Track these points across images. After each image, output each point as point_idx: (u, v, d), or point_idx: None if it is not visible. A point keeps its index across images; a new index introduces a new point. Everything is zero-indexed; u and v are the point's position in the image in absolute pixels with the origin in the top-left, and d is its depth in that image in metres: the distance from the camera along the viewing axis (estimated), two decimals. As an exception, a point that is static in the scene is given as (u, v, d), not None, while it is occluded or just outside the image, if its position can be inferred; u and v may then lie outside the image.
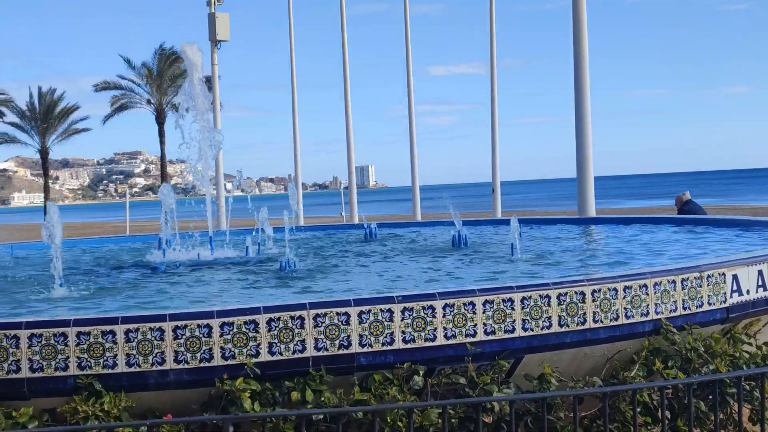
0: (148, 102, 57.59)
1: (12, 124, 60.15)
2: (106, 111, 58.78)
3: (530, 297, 6.40)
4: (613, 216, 17.53)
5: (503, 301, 6.34)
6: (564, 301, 6.50)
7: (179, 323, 5.70)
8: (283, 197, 29.33)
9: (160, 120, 57.12)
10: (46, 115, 60.65)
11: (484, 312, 6.27)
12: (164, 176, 58.59)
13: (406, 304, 6.11)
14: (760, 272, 7.47)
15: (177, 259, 11.48)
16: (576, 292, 6.55)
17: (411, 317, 6.10)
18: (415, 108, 27.06)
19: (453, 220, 12.38)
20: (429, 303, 6.16)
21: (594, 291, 6.62)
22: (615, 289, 6.70)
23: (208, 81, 54.90)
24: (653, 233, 12.65)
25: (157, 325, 5.68)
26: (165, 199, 12.43)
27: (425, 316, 6.13)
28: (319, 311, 5.94)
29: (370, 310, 6.01)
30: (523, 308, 6.38)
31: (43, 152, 61.79)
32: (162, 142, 56.51)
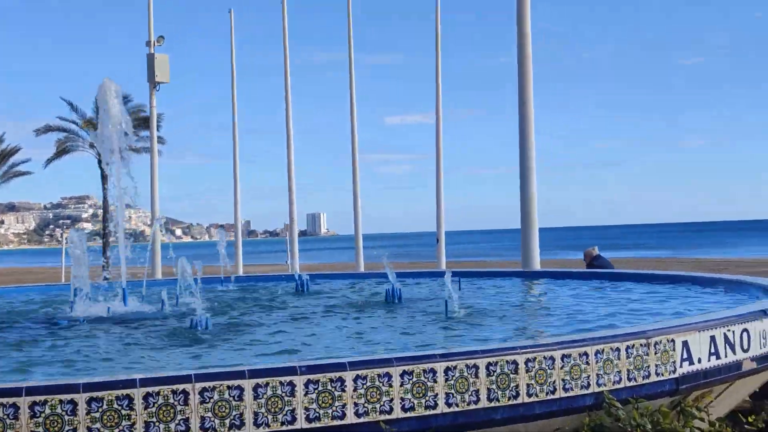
0: (91, 146, 56.34)
1: (-51, 165, 58.48)
2: (49, 154, 57.37)
3: (455, 367, 5.60)
4: (559, 269, 16.86)
5: (424, 371, 5.52)
6: (494, 371, 5.71)
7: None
8: (231, 244, 28.52)
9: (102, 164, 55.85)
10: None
11: (401, 385, 5.45)
12: (105, 220, 57.25)
13: (311, 376, 5.26)
14: (712, 338, 6.76)
15: (83, 314, 10.52)
16: (508, 362, 5.77)
17: (316, 391, 5.25)
18: (369, 157, 26.52)
19: (386, 272, 11.58)
20: (338, 374, 5.33)
21: (528, 360, 5.84)
22: (552, 358, 5.93)
23: (146, 122, 53.89)
24: (603, 289, 12.00)
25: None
26: (73, 245, 11.49)
27: (333, 389, 5.29)
28: (206, 384, 5.08)
29: (267, 383, 5.16)
30: (447, 380, 5.57)
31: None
32: (105, 188, 55.17)
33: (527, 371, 5.80)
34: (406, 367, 5.48)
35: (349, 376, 5.34)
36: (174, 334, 8.47)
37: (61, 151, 55.84)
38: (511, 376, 5.75)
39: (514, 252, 19.29)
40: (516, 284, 13.98)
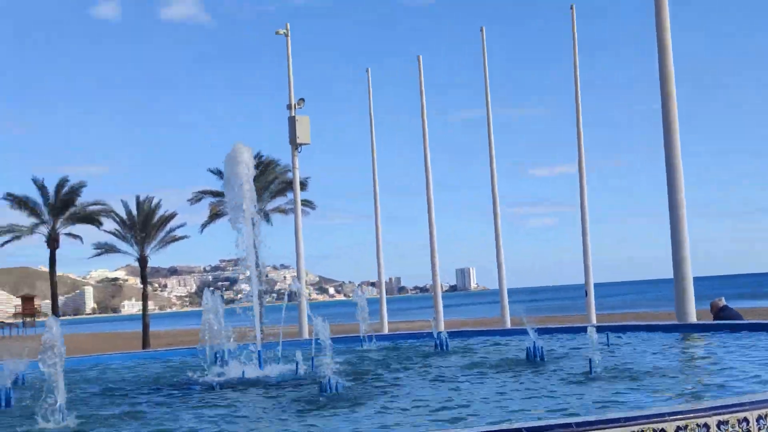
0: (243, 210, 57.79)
1: (111, 233, 61.18)
2: (203, 219, 59.22)
3: (593, 438, 5.04)
4: (714, 322, 15.74)
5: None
6: (639, 441, 5.11)
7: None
8: (376, 301, 28.42)
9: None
10: (144, 224, 61.53)
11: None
12: (260, 282, 58.40)
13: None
14: None
15: (218, 379, 10.42)
16: (655, 430, 5.16)
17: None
18: (517, 210, 25.92)
19: (527, 329, 11.00)
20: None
21: (679, 428, 5.21)
22: (706, 426, 5.27)
23: (290, 184, 55.01)
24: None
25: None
26: (206, 307, 11.49)
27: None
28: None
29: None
30: (584, 452, 5.02)
31: (142, 260, 62.51)
32: (255, 250, 56.42)
33: (677, 440, 5.18)
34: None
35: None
36: (300, 399, 8.19)
37: (214, 215, 57.63)
38: (659, 446, 5.14)
39: (669, 303, 18.23)
40: (669, 338, 13.09)
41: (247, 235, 11.93)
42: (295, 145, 27.67)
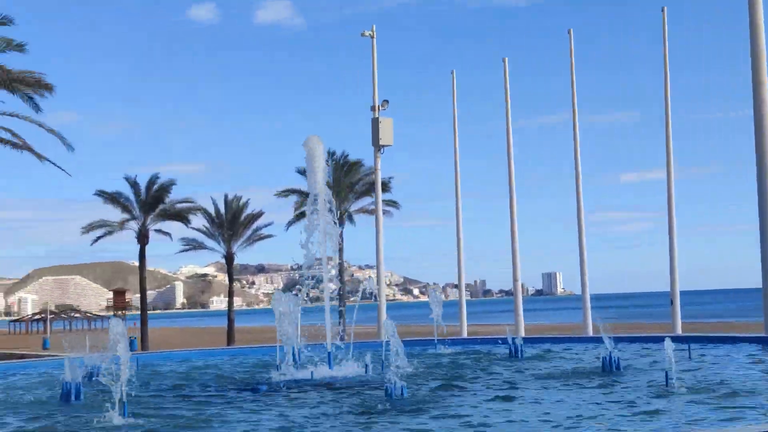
0: (329, 210, 57.94)
1: (199, 230, 62.15)
2: (290, 217, 59.56)
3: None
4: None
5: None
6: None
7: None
8: (469, 304, 28.06)
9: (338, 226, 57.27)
10: (231, 222, 62.33)
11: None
12: (342, 282, 58.73)
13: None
14: None
15: (286, 378, 10.39)
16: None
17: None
18: (605, 215, 25.28)
19: (603, 337, 10.65)
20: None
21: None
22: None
23: (373, 186, 54.82)
24: None
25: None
26: (276, 306, 11.46)
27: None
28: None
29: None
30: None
31: (229, 258, 63.37)
32: (341, 249, 56.58)
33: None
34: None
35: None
36: (365, 403, 8.06)
37: (300, 214, 58.03)
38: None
39: (758, 313, 17.55)
40: (754, 350, 12.56)
41: (321, 232, 11.82)
42: (377, 146, 27.60)
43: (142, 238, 59.70)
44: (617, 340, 11.78)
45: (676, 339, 13.48)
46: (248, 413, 7.83)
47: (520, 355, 12.76)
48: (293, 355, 11.59)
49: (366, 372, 10.66)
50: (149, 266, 61.16)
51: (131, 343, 54.42)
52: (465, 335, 25.30)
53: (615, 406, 7.54)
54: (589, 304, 24.44)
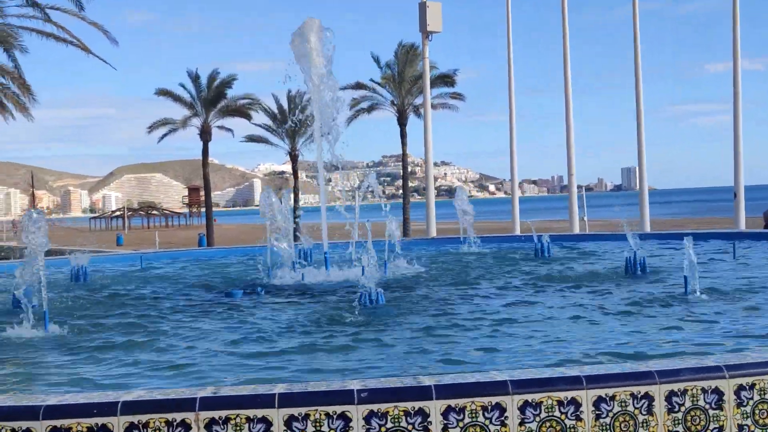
0: (392, 104, 56.59)
1: (262, 126, 61.41)
2: (362, 115, 58.12)
3: (614, 397, 3.67)
4: None
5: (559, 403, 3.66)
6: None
7: None
8: (545, 199, 26.75)
9: (401, 122, 55.98)
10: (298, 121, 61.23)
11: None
12: (405, 179, 57.74)
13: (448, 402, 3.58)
14: None
15: (278, 282, 9.51)
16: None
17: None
18: (688, 107, 23.60)
19: (626, 235, 9.42)
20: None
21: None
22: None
23: (443, 79, 52.91)
24: None
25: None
26: (263, 206, 10.52)
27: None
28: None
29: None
30: (598, 418, 3.66)
31: (293, 155, 62.74)
32: (404, 144, 55.39)
33: None
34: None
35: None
36: (334, 313, 7.07)
37: (362, 110, 56.64)
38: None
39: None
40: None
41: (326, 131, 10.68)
42: (425, 32, 26.12)
43: (205, 134, 59.33)
44: (656, 237, 10.56)
45: (725, 236, 12.20)
46: (203, 322, 6.92)
47: (547, 254, 11.64)
48: (302, 255, 10.73)
49: (363, 274, 9.66)
50: (228, 164, 60.90)
51: (200, 240, 54.61)
52: (518, 232, 24.13)
53: (620, 312, 6.40)
54: (647, 200, 23.08)
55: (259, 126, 61.19)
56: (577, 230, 23.90)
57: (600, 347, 5.10)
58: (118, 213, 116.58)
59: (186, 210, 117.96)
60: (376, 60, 56.70)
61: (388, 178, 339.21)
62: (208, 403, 3.51)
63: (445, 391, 3.55)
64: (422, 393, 3.56)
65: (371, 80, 55.70)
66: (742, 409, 3.75)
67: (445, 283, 8.97)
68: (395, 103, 57.25)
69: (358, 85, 58.31)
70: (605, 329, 5.79)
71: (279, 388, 3.58)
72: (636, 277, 8.75)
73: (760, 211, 21.94)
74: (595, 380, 3.65)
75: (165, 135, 60.26)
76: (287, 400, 3.52)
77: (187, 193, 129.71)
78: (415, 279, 9.54)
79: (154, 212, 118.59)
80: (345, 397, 3.52)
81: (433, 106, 56.67)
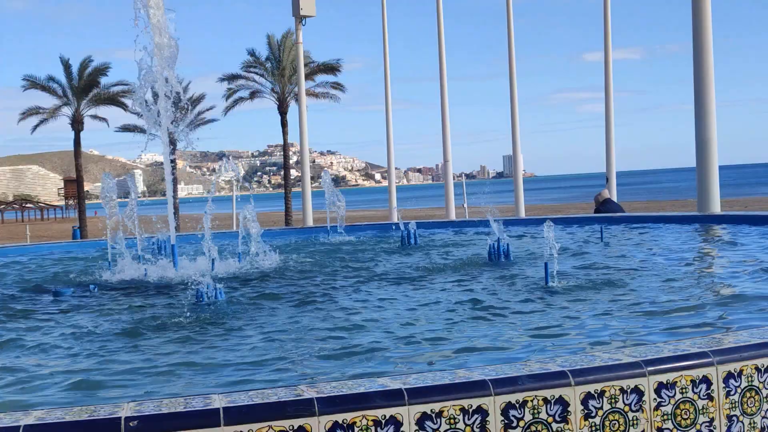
0: (272, 91, 55.62)
1: (137, 114, 59.42)
2: (244, 104, 56.74)
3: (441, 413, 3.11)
4: (740, 213, 13.63)
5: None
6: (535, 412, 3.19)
7: None
8: (429, 188, 26.16)
9: (282, 110, 55.06)
10: (173, 106, 59.53)
11: None
12: (287, 168, 56.97)
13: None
14: None
15: (116, 278, 8.71)
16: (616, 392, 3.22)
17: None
18: (567, 96, 23.61)
19: (489, 221, 9.00)
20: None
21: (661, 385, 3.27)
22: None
23: (325, 68, 52.29)
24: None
25: None
26: (104, 190, 9.73)
27: None
28: None
29: None
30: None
31: (171, 143, 60.94)
32: (284, 132, 54.56)
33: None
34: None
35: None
36: (165, 314, 6.36)
37: (238, 99, 55.37)
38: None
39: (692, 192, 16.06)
40: (681, 231, 11.05)
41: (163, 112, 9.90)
42: (299, 17, 25.40)
43: (76, 124, 57.05)
44: (532, 222, 10.19)
45: (590, 220, 12.01)
46: (8, 324, 6.11)
47: (412, 243, 11.17)
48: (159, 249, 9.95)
49: (213, 268, 8.96)
50: (109, 155, 58.68)
51: (74, 234, 52.44)
52: (394, 220, 23.71)
53: (477, 305, 5.90)
54: (521, 187, 23.09)
55: (135, 114, 59.16)
56: (453, 217, 23.69)
57: (443, 346, 4.58)
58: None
59: (63, 203, 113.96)
60: (252, 53, 55.16)
61: (274, 168, 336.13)
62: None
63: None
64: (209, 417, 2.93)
65: (247, 69, 54.50)
66: (590, 420, 3.26)
67: (301, 278, 8.34)
68: (276, 90, 56.29)
69: (233, 77, 57.02)
70: (444, 324, 5.27)
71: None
72: (498, 265, 8.31)
73: (633, 196, 22.24)
74: (417, 393, 3.09)
75: (37, 125, 57.65)
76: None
77: (62, 186, 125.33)
78: (270, 271, 8.90)
79: (29, 205, 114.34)
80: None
81: (315, 95, 56.03)
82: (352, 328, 5.29)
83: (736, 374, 3.41)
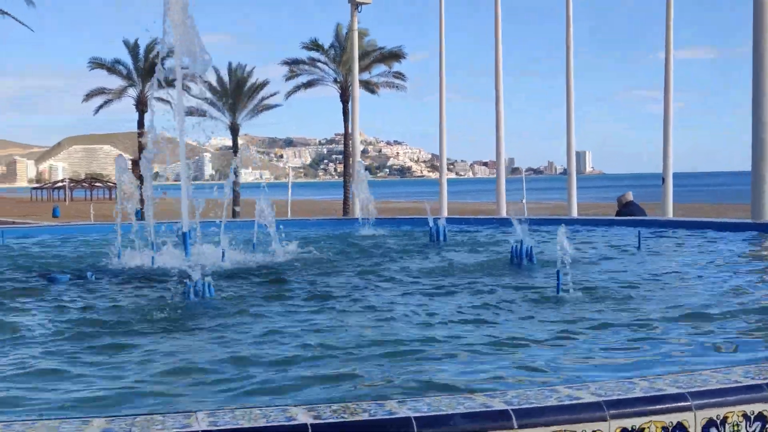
0: (335, 81, 55.47)
1: (202, 98, 59.65)
2: (304, 92, 56.63)
3: None
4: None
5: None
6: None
7: None
8: (493, 181, 25.73)
9: (344, 98, 54.89)
10: (235, 91, 59.88)
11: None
12: (346, 157, 56.80)
13: None
14: None
15: (125, 265, 8.45)
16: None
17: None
18: (637, 94, 22.70)
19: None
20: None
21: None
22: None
23: (389, 57, 51.91)
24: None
25: None
26: (119, 176, 9.50)
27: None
28: None
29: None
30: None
31: (233, 128, 61.29)
32: (346, 120, 54.37)
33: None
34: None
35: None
36: (148, 305, 6.01)
37: (302, 85, 55.32)
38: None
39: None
40: (732, 238, 10.38)
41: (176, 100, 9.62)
42: (354, 3, 25.04)
43: (141, 105, 57.64)
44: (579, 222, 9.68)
45: (640, 223, 11.45)
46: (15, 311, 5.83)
47: (442, 239, 10.71)
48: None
49: (223, 259, 8.64)
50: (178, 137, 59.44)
51: (136, 213, 53.52)
52: (445, 214, 23.22)
53: (487, 314, 5.43)
54: (575, 184, 22.39)
55: (199, 98, 59.20)
56: (503, 213, 23.06)
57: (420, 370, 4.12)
58: (60, 184, 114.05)
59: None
60: (315, 42, 54.86)
61: (341, 156, 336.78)
62: None
63: None
64: None
65: (310, 59, 54.35)
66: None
67: (305, 273, 7.94)
68: (338, 80, 56.07)
69: (296, 62, 56.82)
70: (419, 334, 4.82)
71: None
72: (520, 269, 7.81)
73: (689, 198, 21.36)
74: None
75: (101, 106, 58.39)
76: None
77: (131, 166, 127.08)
78: (278, 264, 8.54)
79: (98, 184, 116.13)
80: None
81: (378, 84, 55.71)
82: (327, 331, 4.87)
83: None
